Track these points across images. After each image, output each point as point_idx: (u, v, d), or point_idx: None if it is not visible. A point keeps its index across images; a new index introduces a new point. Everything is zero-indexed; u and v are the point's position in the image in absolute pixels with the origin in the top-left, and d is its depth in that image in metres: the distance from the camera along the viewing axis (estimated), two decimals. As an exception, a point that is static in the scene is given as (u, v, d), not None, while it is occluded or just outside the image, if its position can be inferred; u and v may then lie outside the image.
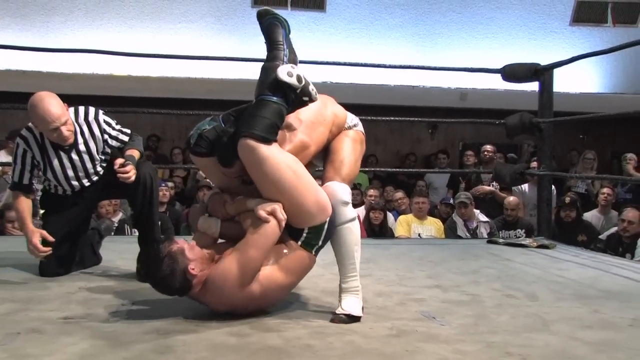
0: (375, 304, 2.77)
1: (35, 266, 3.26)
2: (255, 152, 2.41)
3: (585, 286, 3.35)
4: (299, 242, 2.50)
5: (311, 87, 2.58)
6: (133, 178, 3.15)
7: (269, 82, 2.49)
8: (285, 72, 2.47)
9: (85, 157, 3.26)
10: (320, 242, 2.53)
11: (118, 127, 3.36)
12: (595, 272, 3.80)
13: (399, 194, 7.34)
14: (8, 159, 7.07)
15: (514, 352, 2.14)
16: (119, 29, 9.08)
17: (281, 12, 2.63)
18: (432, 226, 6.51)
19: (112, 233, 5.81)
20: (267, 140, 2.42)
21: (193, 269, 2.36)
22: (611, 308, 2.86)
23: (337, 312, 2.52)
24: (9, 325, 2.32)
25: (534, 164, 6.36)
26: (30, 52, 7.30)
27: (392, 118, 6.40)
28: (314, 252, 2.52)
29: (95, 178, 3.35)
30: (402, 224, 6.51)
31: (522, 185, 6.76)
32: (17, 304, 2.63)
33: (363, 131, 3.01)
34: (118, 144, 3.35)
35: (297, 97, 2.53)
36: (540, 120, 5.11)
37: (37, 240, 3.08)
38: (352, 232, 2.61)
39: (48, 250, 3.09)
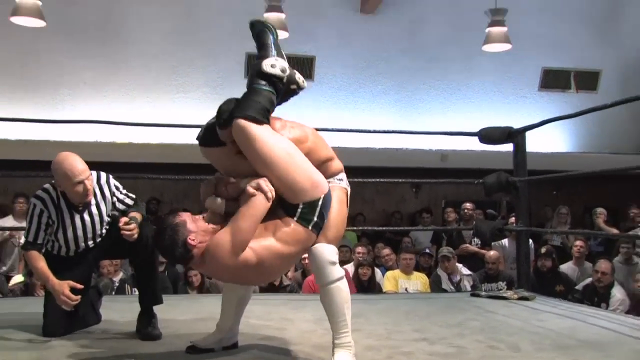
0: (364, 357, 2.74)
1: (37, 327, 3.20)
2: (246, 131, 2.51)
3: (564, 336, 3.33)
4: (295, 218, 2.52)
5: (298, 76, 2.72)
6: (136, 236, 3.13)
7: (257, 74, 2.64)
8: (268, 65, 2.63)
9: (96, 218, 3.27)
10: (315, 217, 2.54)
11: (124, 191, 3.38)
12: (573, 322, 3.78)
13: (386, 251, 7.32)
14: (14, 223, 7.03)
15: (499, 402, 2.12)
16: (121, 99, 9.17)
17: None
18: (418, 280, 6.48)
19: (113, 292, 5.77)
20: (258, 121, 2.53)
21: (193, 239, 2.46)
22: (589, 357, 2.85)
23: None
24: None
25: (512, 220, 6.39)
26: (38, 123, 7.33)
27: (378, 179, 6.44)
28: (310, 227, 2.53)
29: (98, 240, 3.33)
30: (390, 279, 6.48)
31: (502, 240, 6.79)
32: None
33: (348, 186, 2.97)
34: (124, 207, 3.34)
35: (284, 85, 2.66)
36: (515, 179, 5.14)
37: (67, 290, 3.04)
38: (341, 290, 2.59)
39: (78, 298, 3.06)
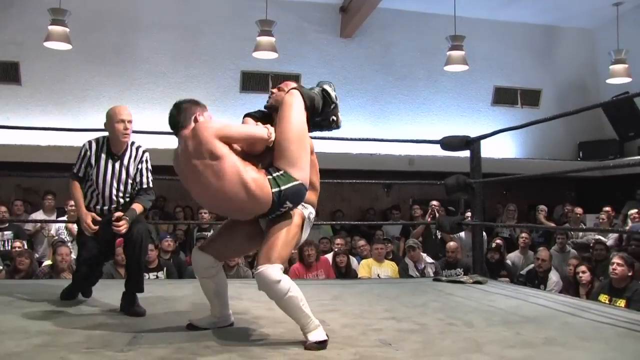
0: (341, 334, 2.76)
1: (66, 302, 3.19)
2: (293, 98, 2.63)
3: (510, 313, 3.37)
4: (269, 175, 2.51)
5: (340, 115, 2.82)
6: (123, 231, 3.24)
7: (322, 89, 2.81)
8: (331, 88, 2.83)
9: (123, 171, 3.44)
10: (282, 188, 2.49)
11: (149, 173, 3.55)
12: (517, 302, 3.82)
13: (361, 242, 7.33)
14: (44, 217, 7.05)
15: (454, 370, 2.15)
16: (134, 111, 8.86)
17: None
18: (389, 268, 6.49)
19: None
20: (305, 101, 2.66)
21: (200, 114, 2.64)
22: (530, 330, 2.89)
23: (307, 342, 2.48)
24: (42, 355, 2.28)
25: (469, 215, 6.44)
26: (66, 132, 7.34)
27: (355, 181, 6.46)
28: (272, 191, 2.48)
29: (114, 205, 3.44)
30: (364, 267, 6.49)
31: (460, 232, 6.84)
32: (50, 337, 2.57)
33: (310, 218, 2.79)
34: (140, 180, 3.49)
35: (328, 111, 2.79)
36: (472, 181, 5.18)
37: (89, 220, 3.30)
38: (292, 297, 2.48)
39: (96, 228, 3.30)
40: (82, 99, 9.27)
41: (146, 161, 3.55)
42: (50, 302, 3.48)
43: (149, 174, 3.55)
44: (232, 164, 2.45)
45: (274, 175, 2.51)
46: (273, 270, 2.46)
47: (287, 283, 2.49)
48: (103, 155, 3.44)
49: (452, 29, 8.92)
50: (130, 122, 3.44)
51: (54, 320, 2.93)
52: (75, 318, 3.01)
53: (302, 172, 2.58)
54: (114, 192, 3.44)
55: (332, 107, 2.80)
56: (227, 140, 2.49)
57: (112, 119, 3.41)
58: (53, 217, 7.23)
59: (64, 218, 6.94)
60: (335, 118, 2.84)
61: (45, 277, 5.41)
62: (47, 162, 8.14)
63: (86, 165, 3.46)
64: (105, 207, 3.45)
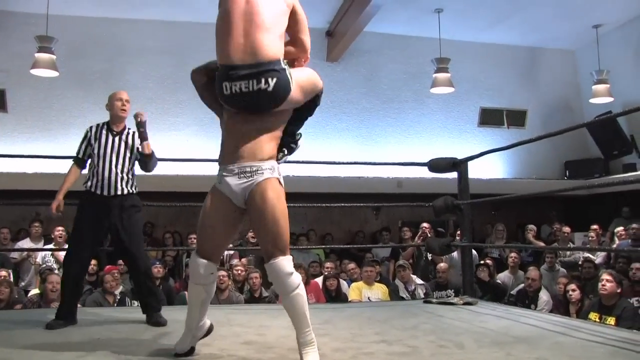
0: (332, 358, 2.74)
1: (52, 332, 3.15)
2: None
3: (500, 334, 3.36)
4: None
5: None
6: (145, 118, 3.87)
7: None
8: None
9: (122, 144, 3.78)
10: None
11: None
12: (508, 322, 3.82)
13: (351, 265, 7.31)
14: (31, 245, 7.00)
15: (446, 393, 2.13)
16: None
17: None
18: (379, 290, 6.47)
19: (115, 304, 5.70)
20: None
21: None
22: (521, 350, 2.88)
23: None
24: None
25: (458, 236, 6.45)
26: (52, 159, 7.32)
27: (343, 204, 6.47)
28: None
29: (119, 190, 3.71)
30: (354, 290, 6.46)
31: (452, 253, 6.80)
32: None
33: (280, 177, 2.67)
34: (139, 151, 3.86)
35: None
36: (460, 202, 5.19)
37: (56, 204, 3.72)
38: (301, 295, 2.50)
39: (55, 213, 3.73)
40: (68, 125, 9.24)
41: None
42: (37, 331, 3.43)
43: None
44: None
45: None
46: (287, 262, 2.48)
47: (298, 278, 2.51)
48: (103, 132, 3.79)
49: (437, 51, 9.04)
50: (127, 101, 3.86)
51: (40, 351, 2.89)
52: (61, 348, 2.97)
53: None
54: (114, 164, 3.73)
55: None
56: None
57: (112, 98, 3.86)
58: (40, 245, 7.17)
59: (51, 246, 6.89)
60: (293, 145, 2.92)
61: (34, 306, 5.35)
62: (34, 189, 8.10)
63: (87, 145, 3.80)
64: (105, 191, 3.69)
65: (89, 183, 3.75)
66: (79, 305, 5.22)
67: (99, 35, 9.37)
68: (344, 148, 10.04)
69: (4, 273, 6.17)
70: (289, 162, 3.36)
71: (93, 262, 6.86)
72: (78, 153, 3.83)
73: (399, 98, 10.64)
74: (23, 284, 6.83)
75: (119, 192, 3.73)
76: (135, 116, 3.86)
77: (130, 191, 3.80)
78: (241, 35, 2.53)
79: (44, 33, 7.87)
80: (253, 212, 2.56)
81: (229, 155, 2.63)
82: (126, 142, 3.80)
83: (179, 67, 9.72)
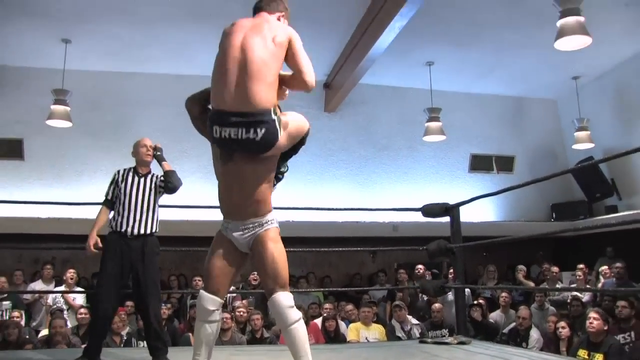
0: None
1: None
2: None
3: (494, 374, 3.34)
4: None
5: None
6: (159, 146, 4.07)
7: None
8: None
9: (147, 185, 3.89)
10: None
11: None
12: (501, 362, 3.79)
13: (349, 306, 7.25)
14: (43, 287, 6.98)
15: None
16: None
17: None
18: (376, 330, 6.42)
19: (122, 345, 5.65)
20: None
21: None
22: (514, 391, 2.86)
23: None
24: None
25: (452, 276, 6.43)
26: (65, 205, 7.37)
27: (341, 248, 6.49)
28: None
29: (142, 229, 3.76)
30: (353, 330, 6.41)
31: (448, 294, 6.74)
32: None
33: (277, 225, 2.77)
34: (163, 184, 3.97)
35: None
36: (453, 245, 5.21)
37: (92, 241, 3.74)
38: (300, 329, 2.54)
39: (94, 251, 3.73)
40: (80, 172, 9.33)
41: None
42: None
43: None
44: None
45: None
46: (287, 297, 2.54)
47: (297, 313, 2.56)
48: (130, 174, 3.93)
49: (429, 101, 9.19)
50: (151, 146, 4.03)
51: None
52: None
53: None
54: (139, 202, 3.80)
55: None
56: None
57: (137, 145, 4.03)
58: (51, 287, 7.16)
59: (62, 288, 6.88)
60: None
61: (44, 346, 5.31)
62: (47, 233, 8.13)
63: (114, 187, 3.91)
64: (129, 229, 3.73)
65: (114, 223, 3.82)
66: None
67: (110, 87, 9.52)
68: (341, 194, 10.08)
69: (16, 314, 6.20)
70: (290, 208, 3.44)
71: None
72: (107, 195, 3.92)
73: (394, 146, 10.75)
74: (34, 324, 6.81)
75: (142, 232, 3.77)
76: (152, 147, 4.05)
77: (153, 231, 3.84)
78: (233, 82, 2.53)
79: (60, 86, 8.02)
80: (256, 256, 2.66)
81: (231, 212, 2.71)
82: (152, 182, 3.92)
83: (184, 118, 9.77)
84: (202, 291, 2.71)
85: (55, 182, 9.25)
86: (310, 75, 2.68)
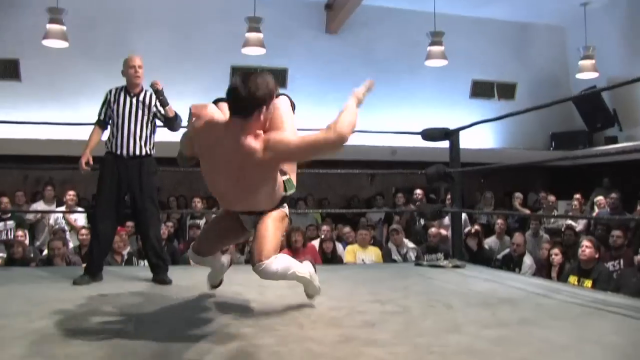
0: (328, 315, 2.77)
1: (65, 288, 3.18)
2: (284, 101, 2.68)
3: (487, 295, 3.40)
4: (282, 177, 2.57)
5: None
6: (160, 87, 3.81)
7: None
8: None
9: (140, 106, 3.79)
10: (287, 194, 2.62)
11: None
12: (494, 285, 3.86)
13: (347, 229, 7.34)
14: (45, 207, 7.04)
15: (435, 350, 2.16)
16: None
17: None
18: (373, 253, 6.51)
19: (123, 264, 5.74)
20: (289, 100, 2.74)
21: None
22: (505, 311, 2.92)
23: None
24: (46, 337, 2.26)
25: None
26: (64, 125, 7.31)
27: (340, 171, 6.46)
28: (282, 194, 2.59)
29: (137, 150, 3.73)
30: (349, 252, 6.51)
31: (446, 218, 6.78)
32: (51, 320, 2.53)
33: (286, 209, 2.76)
34: (159, 114, 3.89)
35: None
36: (451, 170, 5.20)
37: (84, 159, 3.72)
38: (295, 275, 2.65)
39: (87, 168, 3.72)
40: (78, 93, 9.17)
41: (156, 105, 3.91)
42: (50, 288, 3.47)
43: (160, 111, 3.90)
44: (277, 165, 2.44)
45: (284, 179, 2.55)
46: (269, 266, 2.47)
47: (283, 268, 2.54)
48: (122, 95, 3.80)
49: (432, 25, 8.92)
50: (140, 67, 3.82)
51: (54, 305, 2.91)
52: (74, 304, 2.99)
53: (295, 176, 2.63)
54: (132, 125, 3.73)
55: None
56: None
57: (125, 65, 3.83)
58: (53, 207, 7.21)
59: (63, 208, 6.94)
60: None
61: (45, 264, 5.40)
62: (47, 154, 8.11)
63: (107, 107, 3.82)
64: (124, 151, 3.71)
65: (109, 144, 3.78)
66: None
67: (107, 7, 9.21)
68: (341, 117, 9.99)
69: (20, 233, 6.28)
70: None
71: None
72: (99, 115, 3.85)
73: (395, 69, 10.54)
74: (38, 243, 6.90)
75: (138, 153, 3.75)
76: (152, 85, 3.83)
77: (148, 152, 3.82)
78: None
79: (55, 5, 7.75)
80: (257, 228, 2.59)
81: (240, 206, 2.63)
82: (144, 103, 3.81)
83: (186, 37, 9.63)
84: (191, 252, 2.84)
85: (53, 103, 9.11)
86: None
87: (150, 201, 3.78)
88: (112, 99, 3.80)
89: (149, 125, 3.83)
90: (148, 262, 3.86)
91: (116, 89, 3.86)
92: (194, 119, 2.39)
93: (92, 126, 3.88)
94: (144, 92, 3.87)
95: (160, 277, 3.73)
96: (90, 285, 3.56)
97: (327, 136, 2.27)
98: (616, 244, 5.81)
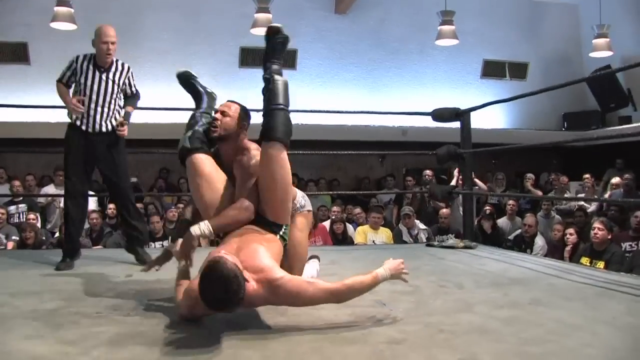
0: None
1: (76, 270, 3.20)
2: (281, 154, 2.34)
3: (498, 276, 3.39)
4: (278, 235, 2.41)
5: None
6: (126, 134, 3.61)
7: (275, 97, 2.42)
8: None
9: (110, 83, 3.59)
10: (286, 241, 2.48)
11: (134, 82, 3.80)
12: (505, 265, 3.84)
13: (357, 210, 7.34)
14: (56, 191, 7.08)
15: (445, 329, 2.16)
16: (139, 88, 8.97)
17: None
18: (384, 234, 6.49)
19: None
20: (287, 145, 2.39)
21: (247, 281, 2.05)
22: (517, 291, 2.91)
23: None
24: (56, 318, 2.29)
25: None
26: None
27: (350, 152, 6.42)
28: (284, 245, 2.46)
29: (104, 126, 3.61)
30: (360, 233, 6.49)
31: (458, 200, 6.72)
32: (62, 302, 2.58)
33: (310, 209, 2.76)
34: (130, 90, 3.75)
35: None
36: (462, 151, 5.16)
37: (75, 100, 3.51)
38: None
39: (81, 108, 3.51)
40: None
41: (132, 74, 3.76)
42: (60, 270, 3.50)
43: (134, 85, 3.78)
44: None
45: (281, 233, 2.44)
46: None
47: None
48: (90, 67, 3.57)
49: (442, 4, 8.80)
50: (113, 43, 3.57)
51: (65, 287, 2.94)
52: (85, 285, 3.02)
53: (290, 209, 2.53)
54: (100, 101, 3.58)
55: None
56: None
57: (98, 38, 3.57)
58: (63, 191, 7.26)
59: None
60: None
61: (56, 248, 5.44)
62: (57, 138, 8.12)
63: (70, 74, 3.61)
64: (90, 128, 3.60)
65: (74, 119, 3.62)
66: (100, 247, 5.34)
67: (116, -12, 9.19)
68: (351, 97, 9.92)
69: (32, 216, 6.33)
70: (299, 110, 3.27)
71: (112, 206, 6.95)
72: (62, 77, 3.66)
73: (405, 49, 10.46)
74: (49, 226, 6.97)
75: (104, 129, 3.63)
76: (117, 129, 3.66)
77: (114, 128, 3.68)
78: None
79: (62, -13, 7.73)
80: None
81: None
82: (114, 80, 3.63)
83: (193, 20, 9.58)
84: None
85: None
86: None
87: (123, 172, 3.72)
88: (78, 69, 3.58)
89: (117, 101, 3.68)
90: (124, 234, 3.90)
91: (84, 57, 3.61)
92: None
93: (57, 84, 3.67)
94: (114, 66, 3.66)
95: (139, 255, 3.70)
96: (103, 267, 3.57)
97: (329, 299, 2.19)
98: (636, 225, 5.63)
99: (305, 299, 2.13)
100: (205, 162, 2.54)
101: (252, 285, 2.06)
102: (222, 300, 1.96)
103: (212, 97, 2.87)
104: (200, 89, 2.86)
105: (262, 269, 2.12)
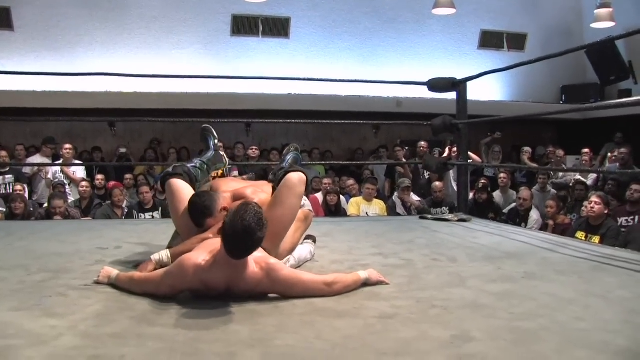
0: (330, 269, 2.76)
1: (64, 242, 3.18)
2: (301, 187, 2.49)
3: (492, 249, 3.40)
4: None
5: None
6: None
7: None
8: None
9: None
10: None
11: None
12: (499, 239, 3.85)
13: (350, 181, 7.34)
14: (43, 160, 7.04)
15: (438, 304, 2.16)
16: (127, 56, 8.90)
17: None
18: (377, 206, 6.52)
19: (123, 217, 5.77)
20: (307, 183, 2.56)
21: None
22: (510, 265, 2.91)
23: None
24: (44, 291, 2.28)
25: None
26: (59, 76, 7.20)
27: (344, 122, 6.39)
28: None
29: None
30: (353, 205, 6.52)
31: (451, 171, 6.73)
32: (49, 274, 2.57)
33: (310, 209, 2.84)
34: None
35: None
36: (458, 122, 5.13)
37: None
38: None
39: None
40: (75, 44, 9.05)
41: None
42: (48, 242, 3.48)
43: None
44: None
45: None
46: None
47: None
48: None
49: (440, -29, 8.69)
50: None
51: (53, 259, 2.93)
52: (73, 257, 3.01)
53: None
54: None
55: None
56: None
57: None
58: (50, 160, 7.24)
59: (60, 162, 6.97)
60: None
61: (44, 219, 5.44)
62: (43, 107, 8.06)
63: None
64: None
65: None
66: (90, 218, 5.33)
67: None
68: (345, 67, 9.85)
69: (19, 187, 6.27)
70: (291, 79, 3.22)
71: (100, 176, 6.91)
72: None
73: (401, 19, 10.34)
74: (36, 197, 6.93)
75: None
76: None
77: None
78: None
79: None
80: None
81: None
82: None
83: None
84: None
85: (48, 54, 8.98)
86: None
87: None
88: None
89: None
90: None
91: None
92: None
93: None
94: None
95: None
96: (91, 239, 3.56)
97: (322, 290, 2.25)
98: (633, 198, 5.60)
99: (299, 289, 2.22)
100: (182, 186, 2.63)
101: (251, 265, 2.13)
102: (251, 231, 2.01)
103: (220, 158, 3.03)
104: (212, 145, 3.00)
105: (262, 253, 2.21)
